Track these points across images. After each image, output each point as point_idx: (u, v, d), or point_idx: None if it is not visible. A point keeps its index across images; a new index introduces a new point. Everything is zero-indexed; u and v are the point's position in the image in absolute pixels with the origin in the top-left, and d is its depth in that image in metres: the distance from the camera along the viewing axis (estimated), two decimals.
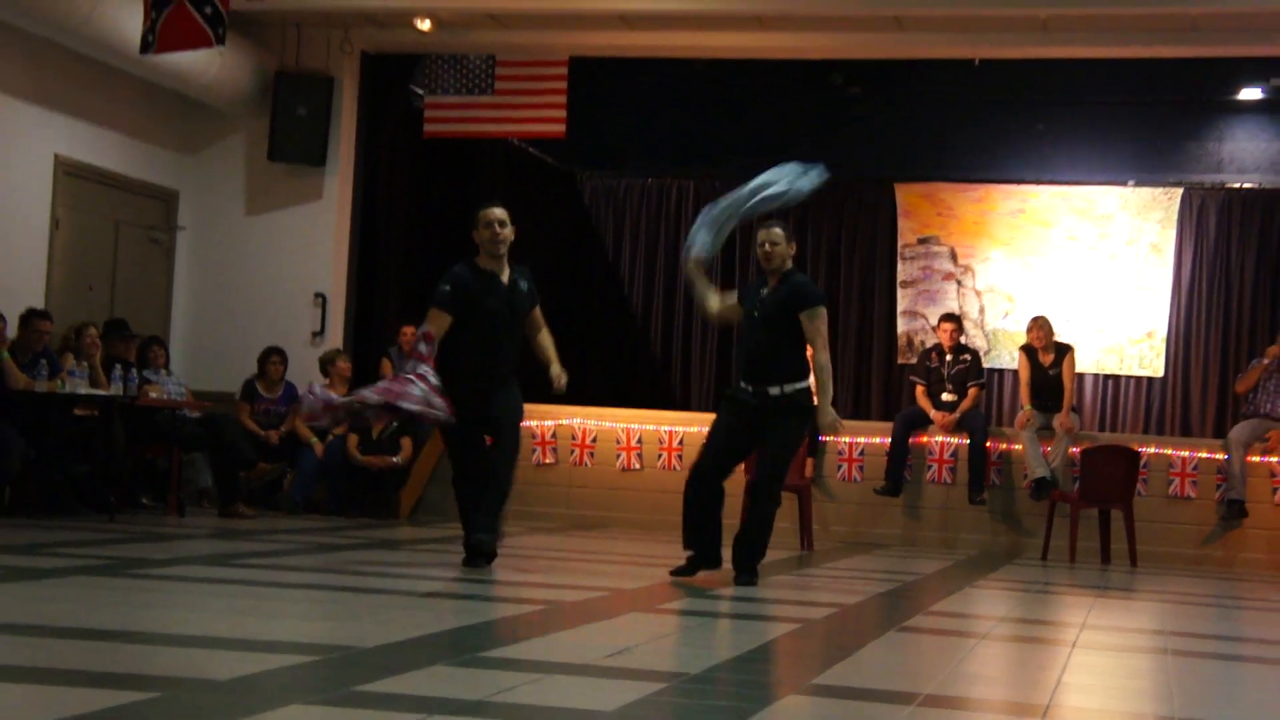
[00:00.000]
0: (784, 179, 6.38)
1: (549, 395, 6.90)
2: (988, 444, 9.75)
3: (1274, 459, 9.48)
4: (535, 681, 3.52)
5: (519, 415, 6.38)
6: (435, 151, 11.38)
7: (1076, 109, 12.38)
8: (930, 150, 12.63)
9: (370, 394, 6.13)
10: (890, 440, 9.80)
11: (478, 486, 6.24)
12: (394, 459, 9.66)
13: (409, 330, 9.97)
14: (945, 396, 9.93)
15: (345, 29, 10.30)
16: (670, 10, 9.62)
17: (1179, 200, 12.20)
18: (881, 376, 12.73)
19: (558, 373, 6.41)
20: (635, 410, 10.63)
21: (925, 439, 9.91)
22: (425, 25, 9.96)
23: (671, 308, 13.23)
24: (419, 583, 5.91)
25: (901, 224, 12.69)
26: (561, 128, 10.60)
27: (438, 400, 6.02)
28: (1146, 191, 12.27)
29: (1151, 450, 9.68)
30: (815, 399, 6.34)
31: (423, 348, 6.07)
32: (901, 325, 12.69)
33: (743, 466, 7.03)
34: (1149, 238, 12.26)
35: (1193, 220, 12.25)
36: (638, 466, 10.23)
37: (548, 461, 10.36)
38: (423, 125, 10.85)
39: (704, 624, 5.24)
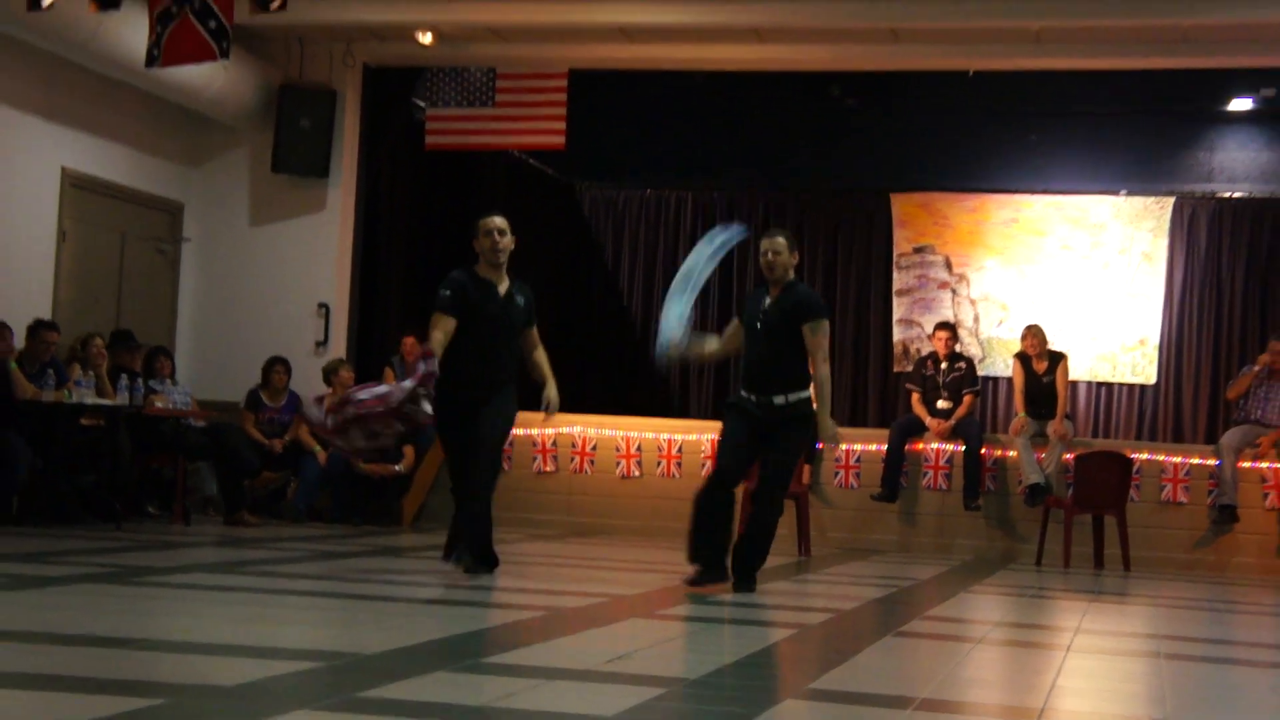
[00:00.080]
0: (709, 246, 6.35)
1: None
2: (983, 451, 9.81)
3: (1264, 464, 9.54)
4: (536, 687, 3.55)
5: (506, 429, 6.31)
6: (436, 163, 11.44)
7: (1069, 119, 12.43)
8: (925, 160, 12.68)
9: (358, 396, 5.99)
10: (887, 447, 9.87)
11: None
12: (396, 467, 9.73)
13: (409, 340, 10.03)
14: (941, 404, 10.00)
15: (348, 43, 10.37)
16: (669, 23, 9.65)
17: (1170, 209, 12.26)
18: (878, 384, 12.78)
19: (552, 397, 6.38)
20: (635, 418, 10.67)
21: (921, 446, 9.98)
22: (426, 39, 10.02)
23: None
24: (421, 589, 5.95)
25: (897, 233, 12.75)
26: (561, 139, 10.68)
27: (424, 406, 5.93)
28: (1139, 201, 12.33)
29: (1144, 456, 9.74)
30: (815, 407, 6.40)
31: (421, 366, 5.99)
32: (897, 333, 12.74)
33: None
34: (1141, 246, 12.33)
35: (1184, 229, 12.32)
36: (637, 474, 10.29)
37: (548, 469, 10.44)
38: (424, 137, 10.92)
39: (703, 629, 5.23)
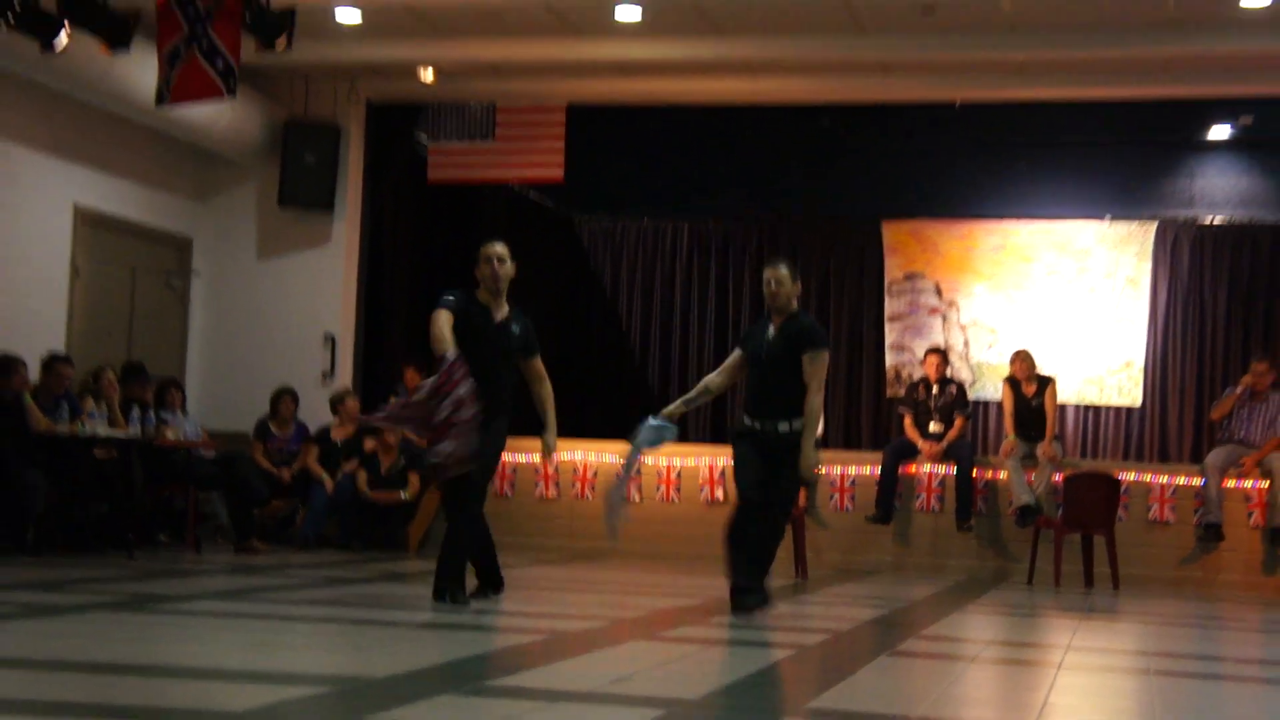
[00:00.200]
0: (644, 437, 6.44)
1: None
2: (974, 472, 9.93)
3: (1248, 483, 9.65)
4: (540, 709, 3.59)
5: (493, 463, 6.29)
6: (439, 196, 11.57)
7: (1055, 149, 12.56)
8: (915, 189, 12.81)
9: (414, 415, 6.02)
10: (880, 470, 10.00)
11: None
12: (402, 494, 9.85)
13: (410, 372, 10.10)
14: (932, 427, 10.12)
15: (352, 80, 10.54)
16: (664, 59, 9.76)
17: (1154, 235, 12.39)
18: (871, 409, 12.89)
19: (550, 444, 6.37)
20: None
21: (914, 469, 10.11)
22: (428, 76, 10.17)
23: (668, 345, 13.40)
24: (426, 614, 5.98)
25: (888, 260, 12.86)
26: (560, 172, 10.82)
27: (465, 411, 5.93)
28: (1123, 227, 12.47)
29: (1131, 477, 9.86)
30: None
31: (460, 381, 5.87)
32: (889, 358, 12.86)
33: None
34: (1126, 271, 12.45)
35: (1167, 254, 12.45)
36: (638, 499, 10.38)
37: (550, 495, 10.60)
38: (426, 171, 11.07)
39: (703, 651, 5.27)
